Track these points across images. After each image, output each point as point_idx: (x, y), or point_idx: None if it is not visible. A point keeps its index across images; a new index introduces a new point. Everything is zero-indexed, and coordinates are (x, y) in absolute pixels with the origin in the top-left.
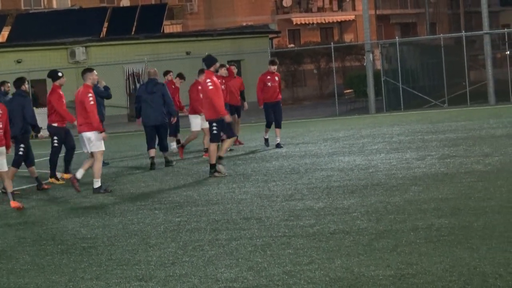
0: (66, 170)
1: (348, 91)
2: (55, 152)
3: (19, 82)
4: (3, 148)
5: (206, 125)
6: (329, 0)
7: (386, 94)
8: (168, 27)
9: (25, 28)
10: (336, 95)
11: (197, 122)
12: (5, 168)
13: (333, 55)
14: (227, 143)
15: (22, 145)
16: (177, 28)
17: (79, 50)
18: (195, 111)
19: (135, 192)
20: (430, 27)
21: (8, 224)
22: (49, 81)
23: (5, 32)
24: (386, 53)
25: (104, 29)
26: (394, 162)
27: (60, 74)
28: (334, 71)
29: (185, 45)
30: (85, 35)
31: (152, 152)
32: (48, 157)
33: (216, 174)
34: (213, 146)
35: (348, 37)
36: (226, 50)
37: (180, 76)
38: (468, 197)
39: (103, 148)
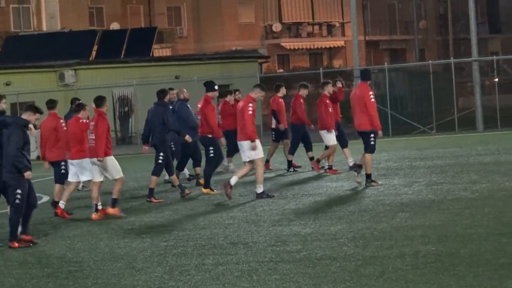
0: (207, 185)
1: None
2: (211, 163)
3: (162, 93)
4: (95, 159)
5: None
6: (319, 26)
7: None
8: (158, 50)
9: (14, 50)
10: None
11: (331, 137)
12: (97, 178)
13: (322, 81)
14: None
15: (161, 154)
16: (167, 52)
17: (68, 73)
18: (325, 127)
19: (121, 216)
20: (419, 54)
21: None
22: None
23: None
24: (375, 79)
25: (94, 52)
26: (382, 189)
27: (216, 87)
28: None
29: (174, 69)
30: (75, 58)
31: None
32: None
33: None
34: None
35: (337, 63)
36: (215, 74)
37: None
38: (455, 224)
39: (262, 155)
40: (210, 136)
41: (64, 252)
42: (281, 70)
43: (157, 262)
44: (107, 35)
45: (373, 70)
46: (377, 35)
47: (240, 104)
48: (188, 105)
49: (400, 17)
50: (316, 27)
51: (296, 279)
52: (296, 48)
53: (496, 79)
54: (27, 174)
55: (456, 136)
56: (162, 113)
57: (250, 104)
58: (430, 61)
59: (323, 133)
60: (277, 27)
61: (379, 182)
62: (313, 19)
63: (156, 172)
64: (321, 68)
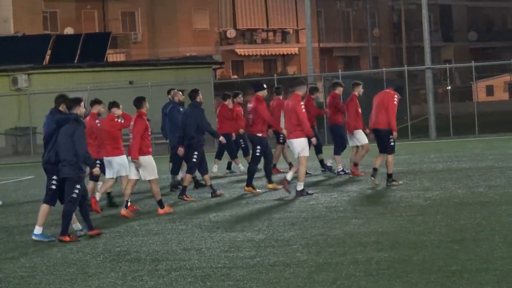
0: (249, 182)
1: None
2: (256, 162)
3: (193, 93)
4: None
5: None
6: (273, 33)
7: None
8: (112, 56)
9: None
10: None
11: (363, 137)
12: (132, 176)
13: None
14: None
15: (196, 153)
16: (121, 57)
17: (22, 78)
18: (356, 127)
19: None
20: (373, 61)
21: None
22: None
23: None
24: (328, 86)
25: (48, 57)
26: (335, 195)
27: (265, 86)
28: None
29: (128, 74)
30: (28, 63)
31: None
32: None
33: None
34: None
35: (292, 69)
36: (169, 80)
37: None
38: (408, 231)
39: (307, 154)
40: (260, 135)
41: (16, 257)
42: (235, 76)
43: (110, 268)
44: (61, 39)
45: (327, 77)
46: (331, 42)
47: (289, 103)
48: (181, 109)
49: (354, 25)
50: (271, 34)
51: (250, 285)
52: (251, 54)
53: (449, 87)
54: (95, 170)
55: (409, 144)
56: (197, 113)
57: (302, 102)
58: (384, 69)
59: (356, 133)
60: (231, 33)
61: (400, 182)
62: (267, 25)
63: (191, 171)
64: (275, 75)
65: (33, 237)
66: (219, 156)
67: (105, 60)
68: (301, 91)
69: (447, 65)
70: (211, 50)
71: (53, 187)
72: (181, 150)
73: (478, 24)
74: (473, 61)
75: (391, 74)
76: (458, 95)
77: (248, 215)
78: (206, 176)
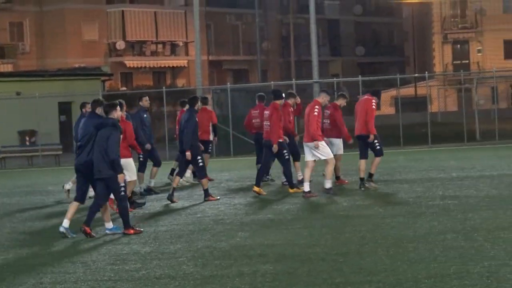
0: (291, 185)
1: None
2: (288, 165)
3: (192, 100)
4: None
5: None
6: (163, 45)
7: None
8: None
9: None
10: (167, 139)
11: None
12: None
13: (164, 100)
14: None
15: (199, 157)
16: (8, 68)
17: None
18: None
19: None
20: (262, 74)
21: None
22: None
23: None
24: (218, 99)
25: None
26: (222, 208)
27: (283, 95)
28: (165, 115)
29: (15, 85)
30: None
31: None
32: None
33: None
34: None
35: (181, 82)
36: (58, 91)
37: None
38: (294, 243)
39: (331, 155)
40: (281, 140)
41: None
42: (124, 88)
43: None
44: None
45: (215, 90)
46: (221, 55)
47: (307, 109)
48: (146, 114)
49: (244, 38)
50: (160, 46)
51: None
52: (140, 66)
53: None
54: (121, 177)
55: None
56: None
57: (316, 107)
58: (272, 82)
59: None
60: (120, 45)
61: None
62: (157, 37)
63: (202, 175)
64: (164, 87)
65: (61, 229)
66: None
67: None
68: (320, 98)
69: (335, 79)
70: (100, 62)
71: (84, 187)
72: (188, 155)
73: (366, 39)
74: (360, 76)
75: (280, 87)
76: (345, 109)
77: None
78: (203, 181)
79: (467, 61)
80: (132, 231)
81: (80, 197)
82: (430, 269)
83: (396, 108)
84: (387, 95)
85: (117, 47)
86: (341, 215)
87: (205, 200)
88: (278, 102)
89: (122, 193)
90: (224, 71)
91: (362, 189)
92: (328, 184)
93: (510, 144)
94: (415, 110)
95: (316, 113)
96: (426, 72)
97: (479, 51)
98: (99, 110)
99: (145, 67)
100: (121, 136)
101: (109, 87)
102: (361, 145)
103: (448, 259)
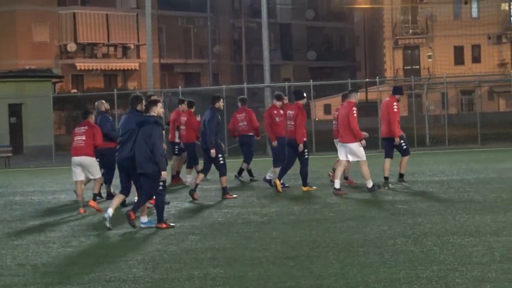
0: (305, 183)
1: None
2: (305, 164)
3: (214, 99)
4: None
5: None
6: (114, 47)
7: (166, 142)
8: None
9: None
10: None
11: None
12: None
13: (115, 102)
14: None
15: (220, 156)
16: None
17: None
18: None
19: None
20: (213, 78)
21: None
22: None
23: None
24: (169, 102)
25: None
26: (173, 211)
27: (304, 94)
28: (116, 118)
29: None
30: None
31: None
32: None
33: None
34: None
35: (132, 85)
36: (8, 93)
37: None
38: (244, 247)
39: (362, 158)
40: (305, 139)
41: None
42: (75, 91)
43: None
44: None
45: (167, 93)
46: (172, 59)
47: (342, 112)
48: (110, 117)
49: (196, 41)
50: (111, 48)
51: None
52: (91, 68)
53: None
54: (164, 174)
55: None
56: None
57: (354, 109)
58: (223, 86)
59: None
60: (71, 47)
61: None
62: (108, 40)
63: (222, 172)
64: (115, 90)
65: (141, 225)
66: (189, 165)
67: None
68: (354, 98)
69: (286, 83)
70: (51, 64)
71: (127, 183)
72: (213, 152)
73: (317, 43)
74: (311, 80)
75: (231, 91)
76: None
77: (85, 229)
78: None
79: (418, 67)
80: (164, 226)
81: (124, 190)
82: (380, 273)
83: None
84: (338, 99)
85: (68, 49)
86: (292, 219)
87: (222, 198)
88: (301, 102)
89: (160, 187)
90: (176, 74)
91: (386, 188)
92: (369, 184)
93: (460, 149)
94: (365, 115)
95: (355, 114)
96: (377, 77)
97: (429, 56)
98: (140, 107)
99: (96, 69)
100: (163, 132)
101: (59, 89)
102: (387, 145)
103: (398, 263)
